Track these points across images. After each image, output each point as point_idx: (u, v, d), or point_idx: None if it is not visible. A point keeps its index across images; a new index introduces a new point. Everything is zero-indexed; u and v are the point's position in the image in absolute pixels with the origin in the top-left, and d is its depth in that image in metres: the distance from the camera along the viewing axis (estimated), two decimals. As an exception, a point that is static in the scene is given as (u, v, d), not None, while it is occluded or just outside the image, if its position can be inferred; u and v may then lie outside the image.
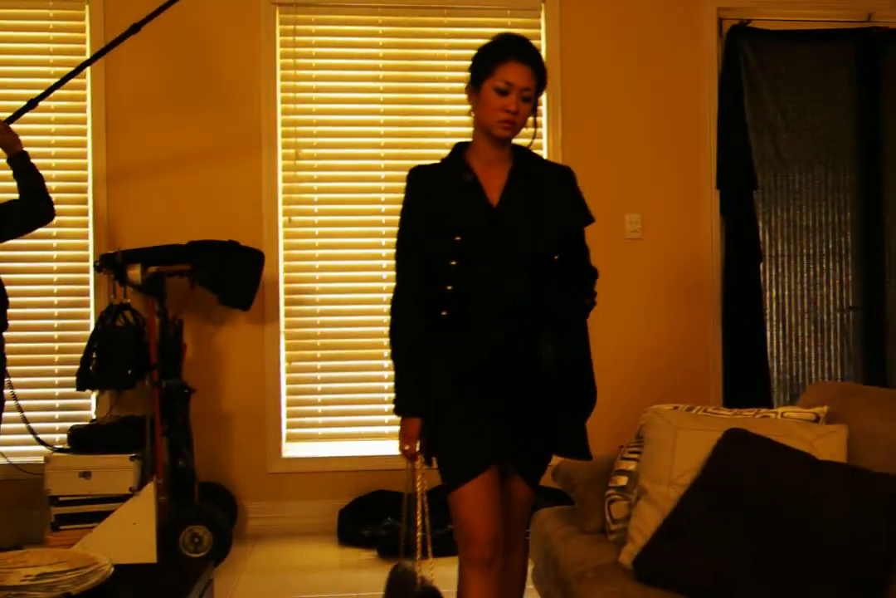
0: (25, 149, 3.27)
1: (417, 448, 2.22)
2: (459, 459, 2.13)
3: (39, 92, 3.36)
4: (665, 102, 4.27)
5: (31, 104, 3.33)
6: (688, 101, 4.29)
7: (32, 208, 3.23)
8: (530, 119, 2.19)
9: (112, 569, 1.84)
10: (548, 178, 2.23)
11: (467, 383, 2.13)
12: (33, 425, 3.55)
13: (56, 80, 3.40)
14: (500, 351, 2.13)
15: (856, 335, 4.48)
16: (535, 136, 2.25)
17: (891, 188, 4.45)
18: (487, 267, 2.13)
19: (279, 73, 4.08)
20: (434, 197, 2.23)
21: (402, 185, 4.57)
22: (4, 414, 3.21)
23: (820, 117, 4.43)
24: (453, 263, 2.12)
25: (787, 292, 4.45)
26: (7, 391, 3.26)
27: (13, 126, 3.25)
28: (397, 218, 4.33)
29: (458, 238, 2.12)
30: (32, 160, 3.27)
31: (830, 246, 4.47)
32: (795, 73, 4.41)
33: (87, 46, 3.94)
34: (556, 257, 2.18)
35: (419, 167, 2.32)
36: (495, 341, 2.12)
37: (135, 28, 3.32)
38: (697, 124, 4.29)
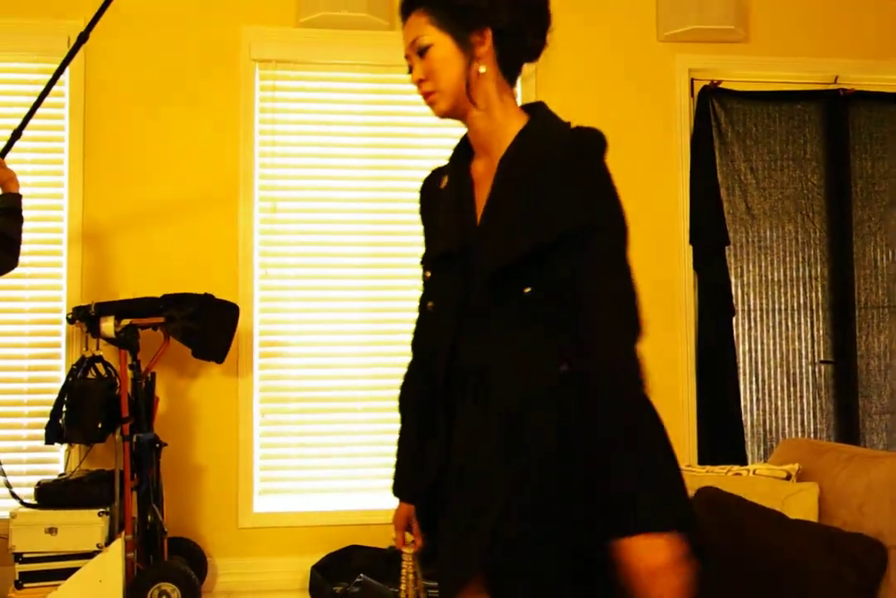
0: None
1: (408, 539, 1.71)
2: (440, 574, 1.55)
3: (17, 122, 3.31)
4: (640, 159, 4.34)
5: (17, 135, 3.24)
6: (661, 158, 4.37)
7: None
8: (458, 65, 1.52)
9: (74, 634, 1.80)
10: (549, 165, 1.50)
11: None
12: (-1, 479, 3.49)
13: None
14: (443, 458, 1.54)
15: (828, 389, 4.51)
16: (468, 70, 1.53)
17: (859, 244, 4.53)
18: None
19: (258, 127, 4.13)
20: (425, 213, 1.73)
21: (380, 239, 4.59)
22: None
23: (789, 175, 4.53)
24: (430, 306, 1.61)
25: (760, 346, 4.49)
26: None
27: None
28: (374, 271, 4.36)
29: (428, 274, 1.62)
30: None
31: (802, 300, 4.53)
32: (765, 133, 4.52)
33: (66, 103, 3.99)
34: (526, 289, 1.45)
35: (437, 167, 1.78)
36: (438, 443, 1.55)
37: (83, 37, 3.25)
38: (671, 181, 4.36)
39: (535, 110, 1.60)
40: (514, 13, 1.51)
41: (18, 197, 3.20)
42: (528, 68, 4.33)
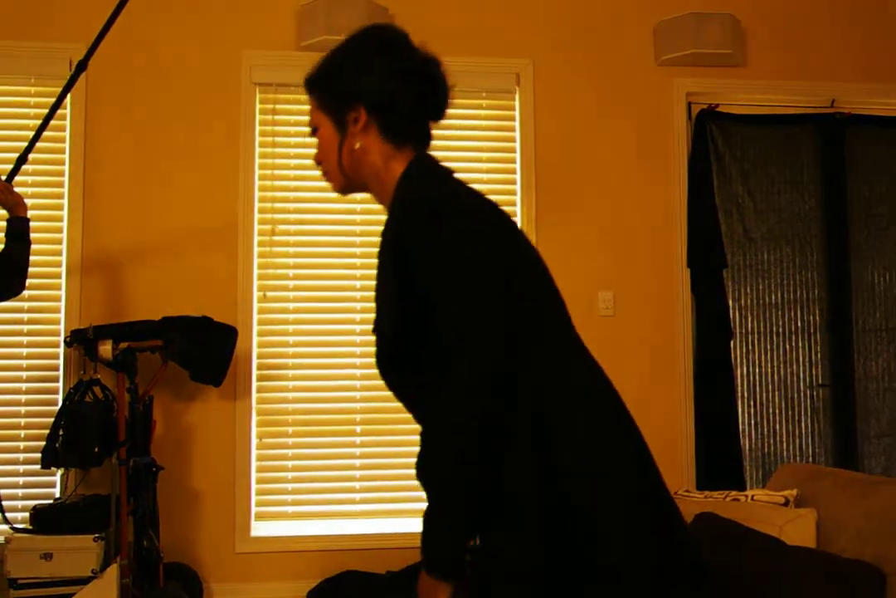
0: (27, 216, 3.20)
1: None
2: None
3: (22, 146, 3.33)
4: (637, 182, 4.36)
5: (22, 160, 3.26)
6: (659, 182, 4.39)
7: (2, 280, 3.12)
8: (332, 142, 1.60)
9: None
10: (382, 247, 1.55)
11: None
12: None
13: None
14: None
15: (826, 412, 4.50)
16: (341, 149, 1.59)
17: (857, 267, 4.54)
18: None
19: (258, 150, 4.15)
20: None
21: (377, 261, 4.56)
22: None
23: (787, 199, 4.55)
24: None
25: (757, 369, 4.48)
26: None
27: None
28: (371, 294, 4.27)
29: None
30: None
31: (799, 324, 4.53)
32: (762, 156, 4.54)
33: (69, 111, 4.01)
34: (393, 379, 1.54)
35: None
36: None
37: (82, 65, 3.26)
38: (669, 204, 4.38)
39: (401, 176, 1.57)
40: (387, 85, 1.55)
41: (26, 221, 3.20)
42: (526, 90, 4.35)
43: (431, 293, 1.39)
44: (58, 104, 3.30)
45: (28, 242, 3.20)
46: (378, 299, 1.55)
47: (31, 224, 3.24)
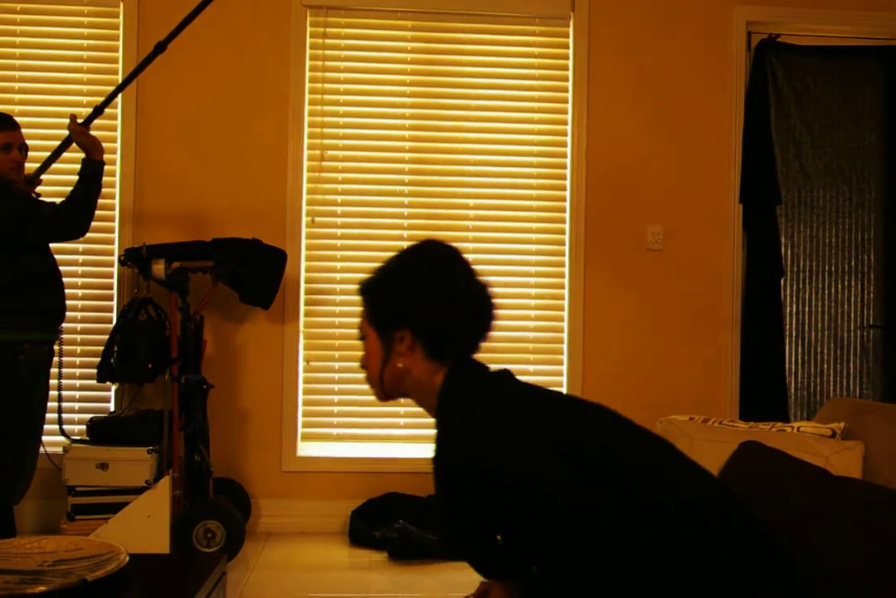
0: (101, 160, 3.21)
1: None
2: None
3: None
4: (691, 114, 4.27)
5: (99, 111, 3.29)
6: (714, 114, 4.29)
7: (62, 222, 3.11)
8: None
9: (127, 558, 1.85)
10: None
11: None
12: (51, 416, 3.56)
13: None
14: None
15: (875, 353, 4.45)
16: (384, 366, 1.63)
17: (915, 206, 4.43)
18: None
19: (308, 74, 4.12)
20: None
21: (427, 189, 4.59)
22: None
23: (845, 134, 4.43)
24: None
25: (807, 309, 4.43)
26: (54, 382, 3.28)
27: None
28: (419, 221, 4.35)
29: None
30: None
31: (853, 264, 4.45)
32: (822, 89, 4.41)
33: (121, 43, 4.00)
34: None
35: None
36: None
37: (161, 47, 3.27)
38: (723, 138, 4.29)
39: (440, 397, 1.59)
40: (435, 312, 1.57)
41: (100, 165, 3.20)
42: (581, 16, 4.24)
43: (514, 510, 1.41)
44: (133, 76, 3.35)
45: (98, 186, 3.19)
46: (455, 516, 1.53)
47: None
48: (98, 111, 3.29)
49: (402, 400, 4.39)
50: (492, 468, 1.42)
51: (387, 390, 1.65)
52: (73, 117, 3.22)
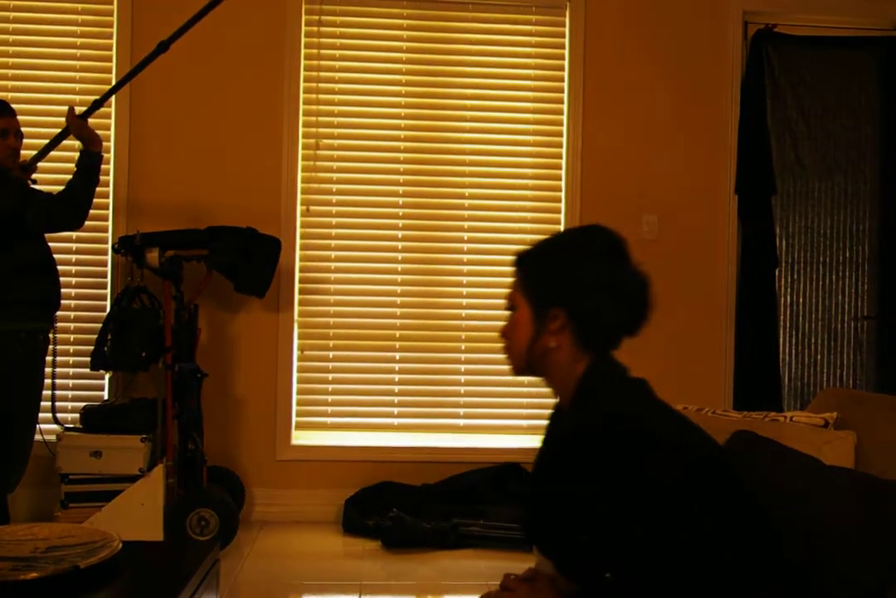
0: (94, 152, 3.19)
1: None
2: None
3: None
4: (687, 103, 4.26)
5: (98, 104, 3.28)
6: (710, 103, 4.28)
7: (58, 212, 3.10)
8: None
9: (120, 545, 1.86)
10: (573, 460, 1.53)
11: None
12: (45, 404, 3.56)
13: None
14: None
15: (869, 345, 4.46)
16: (534, 342, 1.60)
17: (910, 198, 4.43)
18: None
19: (303, 62, 4.10)
20: None
21: (423, 178, 4.55)
22: None
23: (842, 125, 4.42)
24: None
25: (801, 299, 4.44)
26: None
27: None
28: (414, 211, 4.31)
29: None
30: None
31: (847, 255, 4.46)
32: (818, 80, 4.40)
33: (114, 30, 3.98)
34: None
35: None
36: None
37: (163, 46, 3.25)
38: (719, 127, 4.28)
39: (585, 381, 1.58)
40: (595, 300, 1.55)
41: (98, 157, 3.19)
42: (575, 6, 4.21)
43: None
44: (133, 74, 3.33)
45: (96, 178, 3.18)
46: (565, 502, 1.51)
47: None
48: (97, 105, 3.29)
49: (395, 389, 4.38)
50: (638, 469, 1.43)
51: (530, 364, 1.62)
52: (71, 109, 3.20)
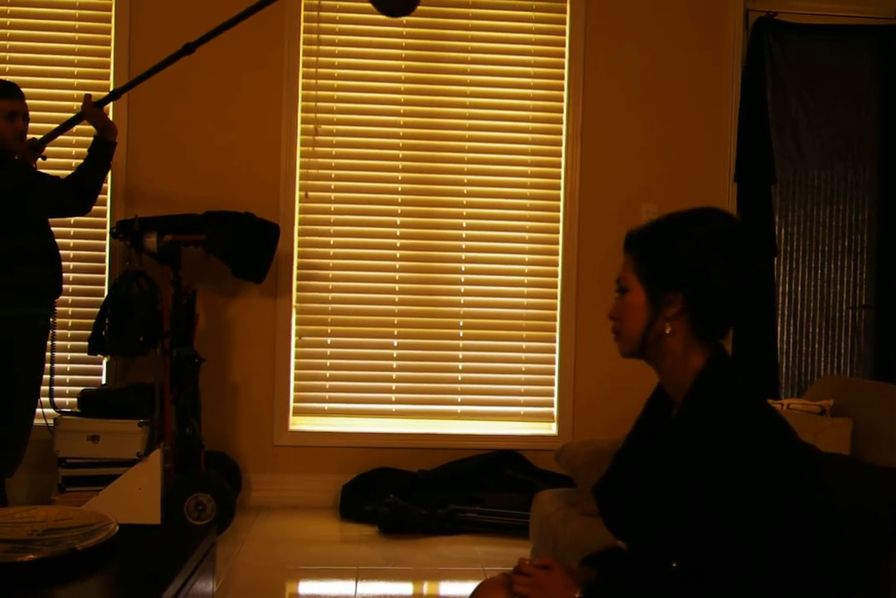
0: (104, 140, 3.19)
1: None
2: None
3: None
4: (687, 92, 4.25)
5: (115, 95, 3.31)
6: (710, 92, 4.27)
7: (65, 197, 3.09)
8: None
9: (117, 528, 1.86)
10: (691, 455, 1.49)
11: None
12: (43, 388, 3.56)
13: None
14: None
15: (867, 334, 4.47)
16: (650, 326, 1.56)
17: (910, 187, 4.42)
18: None
19: (302, 48, 4.08)
20: None
21: (421, 164, 4.54)
22: None
23: (841, 113, 4.41)
24: None
25: (800, 288, 4.44)
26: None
27: None
28: (413, 197, 4.29)
29: None
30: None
31: (846, 244, 4.45)
32: (819, 68, 4.38)
33: (112, 23, 3.96)
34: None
35: None
36: None
37: (188, 49, 3.23)
38: (718, 116, 4.27)
39: (704, 382, 1.53)
40: (717, 286, 1.51)
41: (111, 145, 3.18)
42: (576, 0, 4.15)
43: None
44: (154, 71, 3.30)
45: (107, 166, 3.18)
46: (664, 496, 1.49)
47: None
48: (114, 95, 3.30)
49: (392, 375, 4.37)
50: (761, 478, 1.41)
51: (643, 348, 1.58)
52: (87, 97, 3.21)
